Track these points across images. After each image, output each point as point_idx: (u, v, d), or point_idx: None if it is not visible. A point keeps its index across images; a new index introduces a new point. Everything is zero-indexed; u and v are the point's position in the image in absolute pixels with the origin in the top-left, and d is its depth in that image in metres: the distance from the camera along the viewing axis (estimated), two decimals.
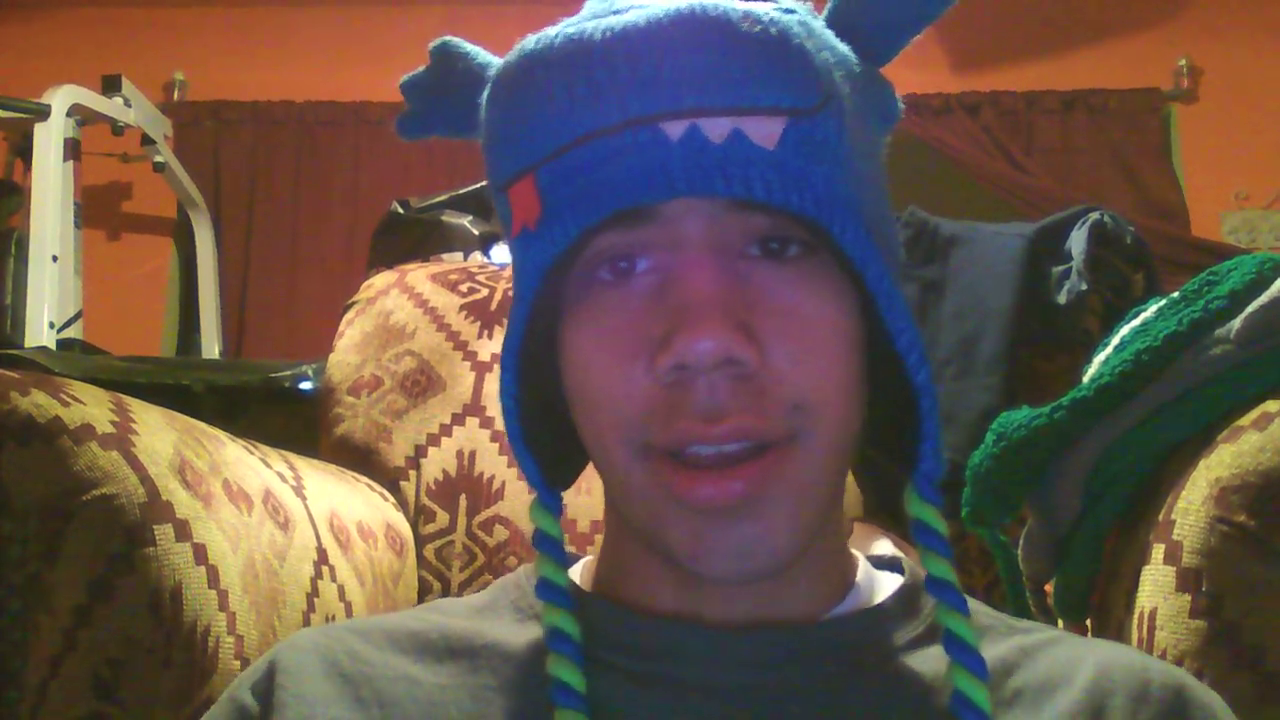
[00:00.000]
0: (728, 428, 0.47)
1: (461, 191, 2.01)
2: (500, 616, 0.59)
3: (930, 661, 0.54)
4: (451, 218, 1.91)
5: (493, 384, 1.10)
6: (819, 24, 0.54)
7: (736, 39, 0.48)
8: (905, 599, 0.57)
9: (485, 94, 0.55)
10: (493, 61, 0.60)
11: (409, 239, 1.91)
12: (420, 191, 2.09)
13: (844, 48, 0.54)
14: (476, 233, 1.87)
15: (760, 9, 0.50)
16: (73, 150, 2.71)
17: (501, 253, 1.81)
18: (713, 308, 0.47)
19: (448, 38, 0.62)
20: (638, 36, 0.48)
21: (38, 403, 0.62)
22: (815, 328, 0.50)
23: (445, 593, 1.03)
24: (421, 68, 0.62)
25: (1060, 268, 1.21)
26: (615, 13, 0.51)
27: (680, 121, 0.47)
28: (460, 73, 0.60)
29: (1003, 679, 0.54)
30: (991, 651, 0.55)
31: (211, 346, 3.19)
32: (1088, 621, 0.82)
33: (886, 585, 0.59)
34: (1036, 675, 0.54)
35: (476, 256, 1.83)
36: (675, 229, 0.49)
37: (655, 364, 0.48)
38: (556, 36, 0.50)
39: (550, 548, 0.55)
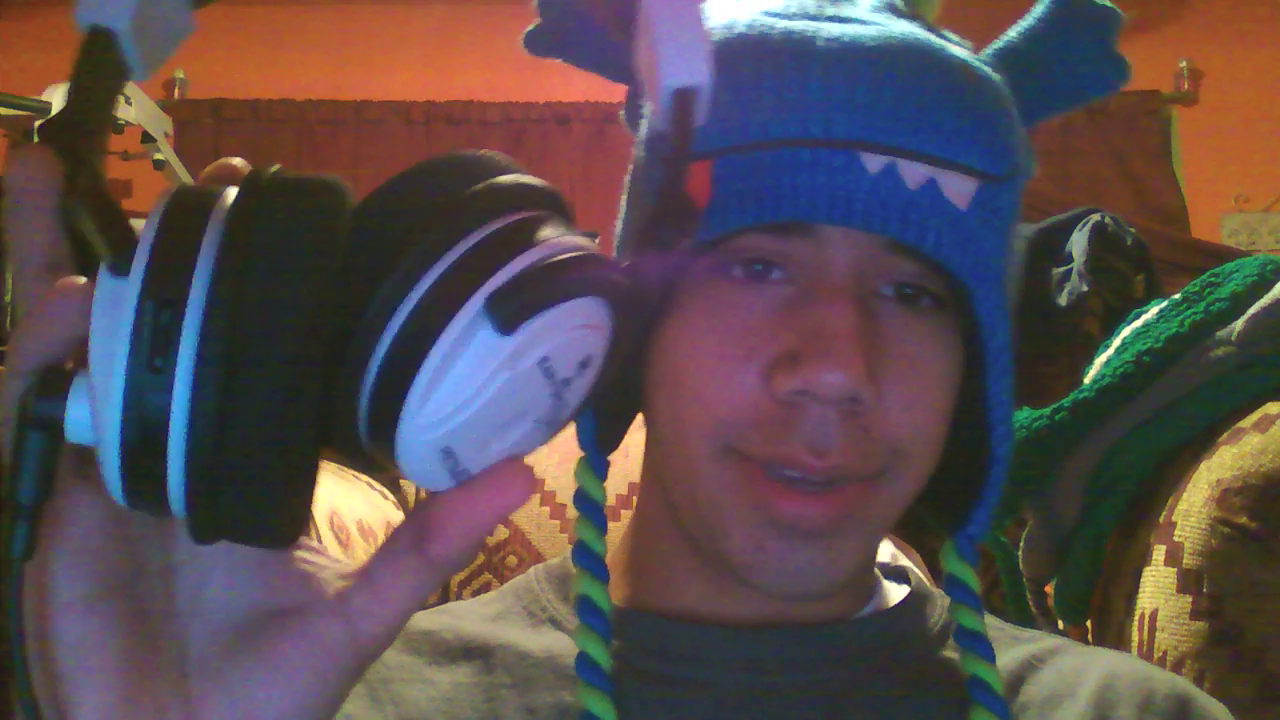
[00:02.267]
0: (829, 464, 0.46)
1: None
2: (513, 622, 0.58)
3: (945, 665, 0.54)
4: None
5: None
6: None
7: (957, 87, 0.47)
8: (916, 607, 0.57)
9: None
10: None
11: None
12: None
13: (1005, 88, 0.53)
14: None
15: (978, 61, 0.48)
16: None
17: None
18: (853, 343, 0.45)
19: None
20: (860, 54, 0.47)
21: None
22: (929, 377, 0.49)
23: (444, 592, 1.03)
24: None
25: (1061, 269, 1.21)
26: (836, 20, 0.49)
27: (880, 156, 0.46)
28: None
29: (1009, 693, 0.54)
30: (996, 662, 0.55)
31: None
32: (1088, 623, 0.82)
33: (894, 595, 0.59)
34: (1041, 688, 0.54)
35: None
36: (826, 251, 0.48)
37: (775, 380, 0.46)
38: (773, 27, 0.48)
39: (592, 512, 0.54)
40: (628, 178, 0.57)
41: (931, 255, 0.47)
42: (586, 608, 0.51)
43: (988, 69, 0.50)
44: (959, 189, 0.47)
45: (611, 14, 0.55)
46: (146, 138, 3.03)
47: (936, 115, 0.46)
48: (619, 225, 0.57)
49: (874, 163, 0.46)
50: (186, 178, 3.16)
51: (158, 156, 3.06)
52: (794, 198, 0.46)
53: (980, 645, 0.52)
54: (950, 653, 0.54)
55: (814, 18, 0.49)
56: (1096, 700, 0.53)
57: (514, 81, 3.06)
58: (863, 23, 0.49)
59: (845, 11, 0.50)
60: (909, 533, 0.88)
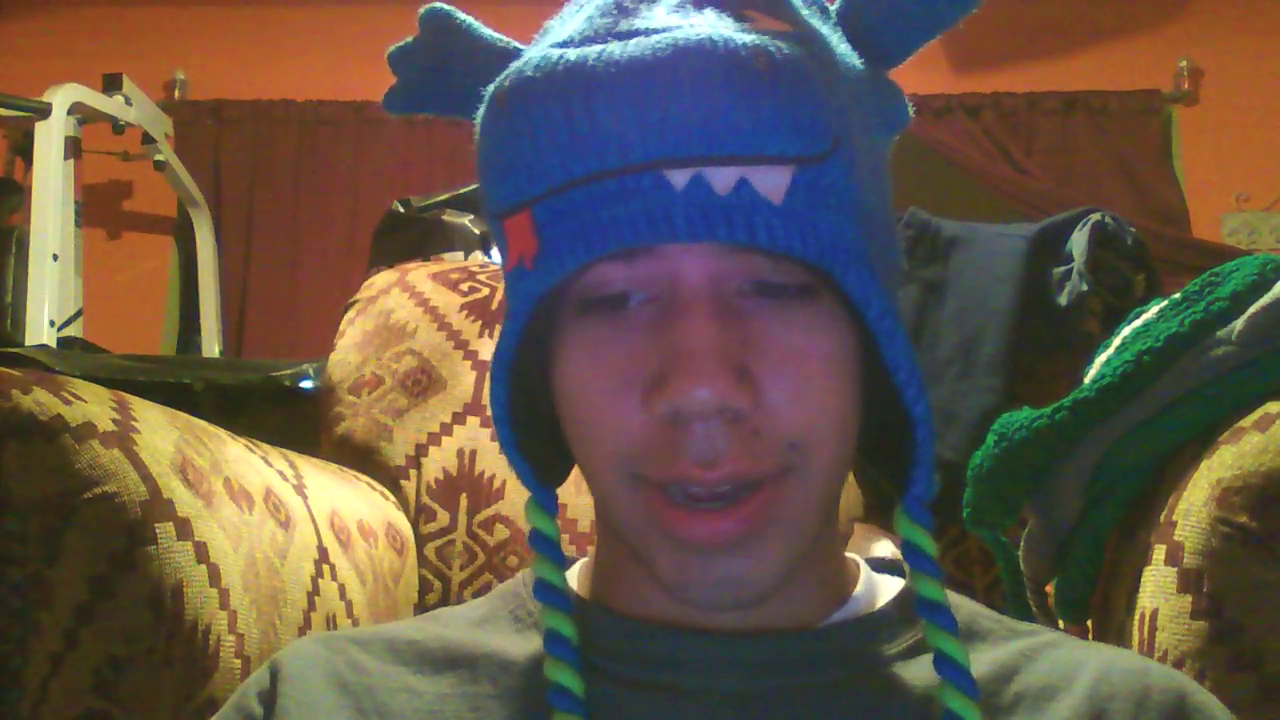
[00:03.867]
0: (723, 474, 0.47)
1: (462, 191, 2.01)
2: (499, 628, 0.58)
3: (926, 669, 0.53)
4: (452, 217, 1.91)
5: None
6: (835, 35, 0.53)
7: (746, 80, 0.46)
8: (904, 604, 0.57)
9: (482, 113, 0.52)
10: (488, 37, 0.59)
11: (410, 238, 1.91)
12: (421, 190, 2.09)
13: (854, 59, 0.53)
14: (477, 232, 1.87)
15: (773, 42, 0.47)
16: (73, 149, 2.72)
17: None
18: (710, 355, 0.46)
19: (440, 4, 0.59)
20: (642, 73, 0.46)
21: (39, 400, 0.62)
22: (812, 365, 0.49)
23: (445, 592, 1.03)
24: (410, 38, 0.60)
25: (1061, 269, 1.21)
26: (618, 37, 0.48)
27: (684, 170, 0.46)
28: (457, 46, 0.59)
29: (1002, 684, 0.54)
30: (991, 655, 0.55)
31: (211, 345, 3.19)
32: (1089, 622, 0.82)
33: (886, 590, 0.59)
34: (1036, 680, 0.54)
35: (477, 255, 1.83)
36: (674, 265, 0.49)
37: (650, 404, 0.48)
38: (559, 62, 0.48)
39: (547, 548, 0.55)
40: None
41: (769, 250, 0.47)
42: (555, 639, 0.52)
43: (788, 43, 0.48)
44: (774, 183, 0.46)
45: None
46: (147, 139, 3.03)
47: (732, 114, 0.46)
48: None
49: (679, 177, 0.46)
50: (187, 179, 3.16)
51: (158, 158, 3.06)
52: (615, 228, 0.46)
53: (941, 617, 0.51)
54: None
55: (601, 39, 0.49)
56: (1091, 693, 0.53)
57: None
58: (650, 33, 0.48)
59: (638, 23, 0.49)
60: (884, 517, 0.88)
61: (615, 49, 0.47)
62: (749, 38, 0.47)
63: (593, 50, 0.48)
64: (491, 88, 0.51)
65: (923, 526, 0.52)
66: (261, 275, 3.41)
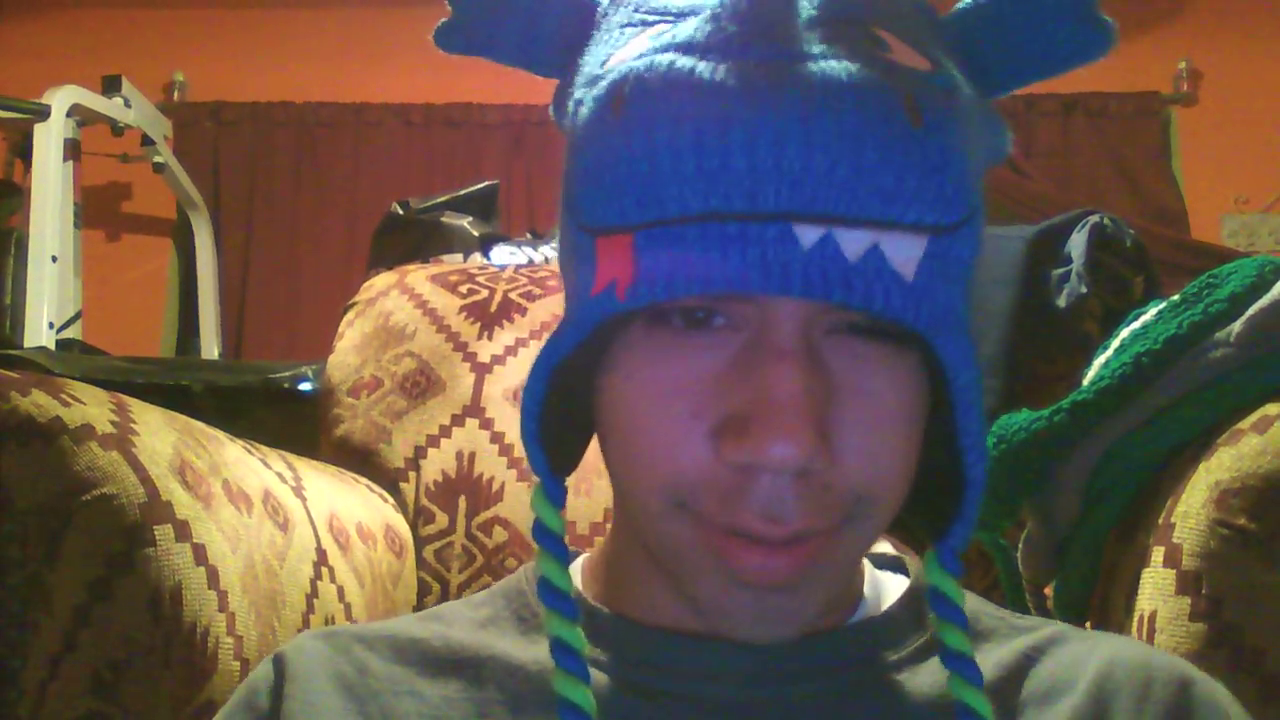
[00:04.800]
0: (787, 531, 0.45)
1: (461, 193, 2.01)
2: (503, 629, 0.58)
3: (936, 670, 0.53)
4: (451, 219, 1.91)
5: (493, 385, 1.10)
6: (950, 61, 0.48)
7: (895, 137, 0.42)
8: (911, 604, 0.57)
9: (589, 111, 0.47)
10: None
11: (409, 240, 1.91)
12: (420, 192, 2.09)
13: (968, 87, 0.49)
14: (476, 234, 1.87)
15: (924, 89, 0.44)
16: (72, 150, 2.72)
17: (501, 254, 1.81)
18: (799, 412, 0.43)
19: None
20: (789, 113, 0.42)
21: (38, 403, 0.62)
22: (890, 419, 0.47)
23: (444, 594, 1.03)
24: None
25: (1060, 270, 1.21)
26: (759, 57, 0.44)
27: (815, 227, 0.42)
28: None
29: (1007, 686, 0.54)
30: (996, 656, 0.55)
31: (211, 347, 3.19)
32: (1088, 624, 0.82)
33: (892, 588, 0.59)
34: (1041, 682, 0.54)
35: (476, 258, 1.83)
36: (768, 311, 0.45)
37: (724, 448, 0.45)
38: (690, 77, 0.43)
39: (551, 543, 0.51)
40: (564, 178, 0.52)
41: (880, 317, 0.44)
42: (563, 650, 0.50)
43: (933, 91, 0.45)
44: (906, 255, 0.43)
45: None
46: (146, 140, 3.03)
47: (876, 176, 0.42)
48: (558, 232, 0.54)
49: (808, 235, 0.42)
50: (186, 181, 3.16)
51: (157, 159, 3.06)
52: (724, 273, 0.43)
53: (968, 669, 0.50)
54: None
55: (735, 53, 0.44)
56: (1095, 692, 0.52)
57: (514, 84, 3.05)
58: (790, 58, 0.44)
59: (775, 39, 0.45)
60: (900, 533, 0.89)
61: (756, 76, 0.43)
62: (900, 83, 0.44)
63: (728, 71, 0.43)
64: (604, 87, 0.46)
65: (954, 576, 0.52)
66: (261, 277, 3.41)
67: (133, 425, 0.66)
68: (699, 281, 0.43)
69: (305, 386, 1.50)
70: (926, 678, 0.54)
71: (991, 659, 0.55)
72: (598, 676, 0.52)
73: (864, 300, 0.43)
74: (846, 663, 0.54)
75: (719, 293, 0.44)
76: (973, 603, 0.59)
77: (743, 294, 0.44)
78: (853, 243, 0.43)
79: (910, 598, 0.57)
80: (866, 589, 0.58)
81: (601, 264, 0.46)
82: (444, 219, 1.91)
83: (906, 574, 0.60)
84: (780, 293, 0.43)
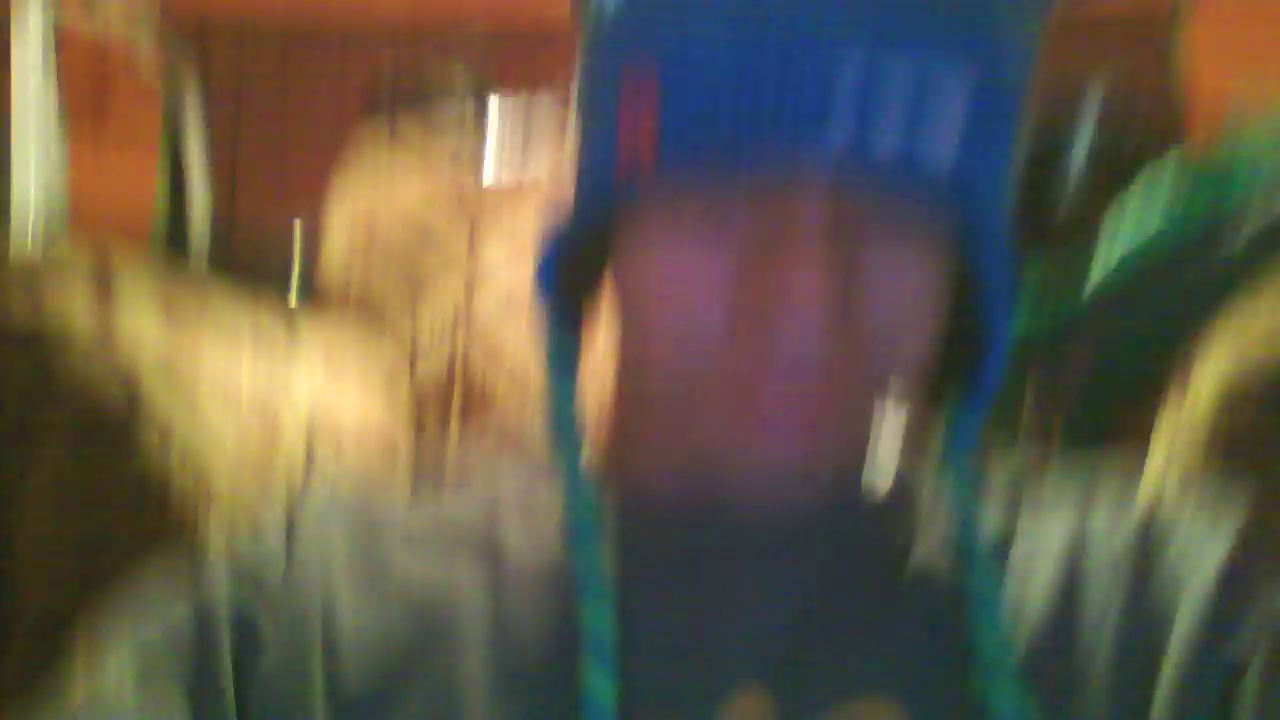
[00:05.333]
0: (803, 419, 0.44)
1: (454, 39, 1.97)
2: (507, 518, 0.53)
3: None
4: (444, 65, 1.87)
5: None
6: None
7: None
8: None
9: None
10: None
11: (402, 90, 1.88)
12: (413, 40, 2.04)
13: None
14: (469, 83, 1.84)
15: None
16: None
17: (493, 107, 1.78)
18: (817, 312, 0.42)
19: None
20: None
21: (19, 300, 0.60)
22: (915, 312, 0.45)
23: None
24: None
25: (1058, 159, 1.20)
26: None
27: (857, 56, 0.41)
28: None
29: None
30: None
31: (203, 218, 3.14)
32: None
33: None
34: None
35: (469, 108, 1.80)
36: (794, 197, 0.43)
37: (739, 342, 0.44)
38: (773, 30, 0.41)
39: (568, 441, 0.49)
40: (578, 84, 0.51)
41: (918, 170, 0.42)
42: (596, 642, 0.46)
43: None
44: (950, 94, 0.41)
45: None
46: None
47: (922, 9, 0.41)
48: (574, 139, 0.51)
49: (850, 65, 0.40)
50: (171, 44, 3.04)
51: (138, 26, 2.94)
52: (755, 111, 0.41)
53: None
54: None
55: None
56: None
57: None
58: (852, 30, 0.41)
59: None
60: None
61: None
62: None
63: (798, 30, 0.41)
64: None
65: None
66: (251, 135, 3.34)
67: (115, 321, 0.65)
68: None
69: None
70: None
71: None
72: (611, 546, 0.49)
73: (906, 146, 0.41)
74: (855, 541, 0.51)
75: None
76: None
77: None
78: (897, 76, 0.41)
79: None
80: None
81: (624, 130, 0.45)
82: (435, 67, 1.88)
83: None
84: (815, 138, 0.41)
